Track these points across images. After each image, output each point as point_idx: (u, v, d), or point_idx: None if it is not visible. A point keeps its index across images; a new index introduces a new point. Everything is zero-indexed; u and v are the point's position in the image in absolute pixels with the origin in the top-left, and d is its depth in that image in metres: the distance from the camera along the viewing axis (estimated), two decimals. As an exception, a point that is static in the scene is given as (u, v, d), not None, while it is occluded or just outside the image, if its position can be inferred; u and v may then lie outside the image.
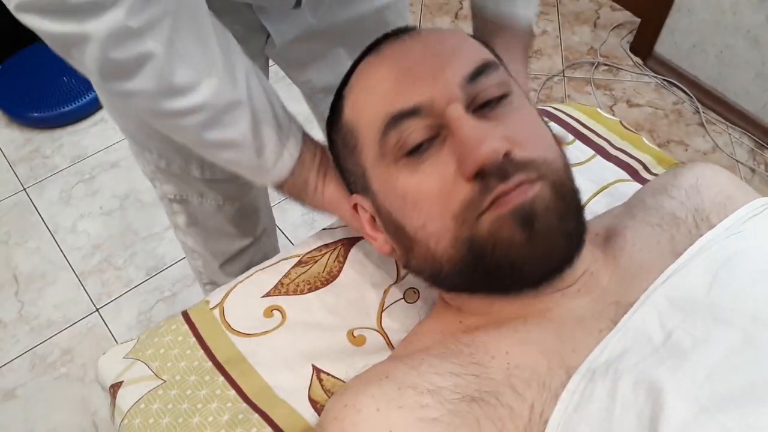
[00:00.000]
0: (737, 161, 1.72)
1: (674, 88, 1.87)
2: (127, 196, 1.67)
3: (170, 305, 1.47)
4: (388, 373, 0.48)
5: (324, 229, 0.72)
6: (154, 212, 1.63)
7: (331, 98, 0.73)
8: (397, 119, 0.48)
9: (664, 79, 1.89)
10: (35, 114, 1.80)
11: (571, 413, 0.41)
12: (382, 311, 0.64)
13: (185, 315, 0.64)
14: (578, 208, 0.49)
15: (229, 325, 0.63)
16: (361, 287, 0.66)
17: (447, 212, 0.47)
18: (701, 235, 0.50)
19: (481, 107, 0.48)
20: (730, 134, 1.78)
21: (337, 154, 0.58)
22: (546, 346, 0.46)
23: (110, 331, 1.43)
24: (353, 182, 0.57)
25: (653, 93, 1.89)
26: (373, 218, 0.56)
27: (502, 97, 0.49)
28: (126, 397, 0.59)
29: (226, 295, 0.65)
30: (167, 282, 1.51)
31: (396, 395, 0.45)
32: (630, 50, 1.97)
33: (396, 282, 0.66)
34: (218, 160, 0.59)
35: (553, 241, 0.46)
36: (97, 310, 1.47)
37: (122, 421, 0.58)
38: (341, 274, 0.67)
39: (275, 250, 1.03)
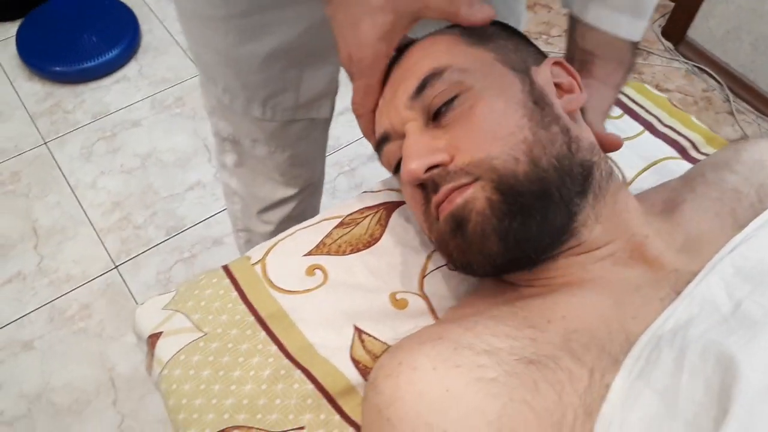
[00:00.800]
0: (765, 152, 1.70)
1: (705, 75, 1.84)
2: (149, 156, 1.66)
3: (189, 266, 1.47)
4: (442, 334, 0.48)
5: (365, 192, 0.71)
6: (175, 173, 1.63)
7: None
8: (379, 145, 0.56)
9: (695, 65, 1.86)
10: (57, 68, 1.78)
11: (635, 379, 0.40)
12: (423, 277, 0.64)
13: (226, 269, 0.64)
14: (543, 196, 0.46)
15: (271, 282, 0.62)
16: (403, 251, 0.65)
17: (422, 216, 0.53)
18: (765, 209, 0.49)
19: (436, 117, 0.51)
20: (759, 125, 1.75)
21: None
22: (603, 312, 0.45)
23: (129, 289, 1.44)
24: None
25: (683, 79, 1.86)
26: None
27: (452, 100, 0.50)
28: (165, 348, 0.59)
29: (268, 251, 0.64)
30: (187, 243, 1.50)
31: (452, 355, 0.45)
32: (662, 34, 1.94)
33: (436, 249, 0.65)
34: None
35: (487, 242, 0.47)
36: (116, 267, 1.47)
37: (162, 371, 0.57)
38: (383, 238, 0.66)
39: (315, 211, 1.03)
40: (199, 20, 0.69)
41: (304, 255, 0.64)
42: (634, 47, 0.59)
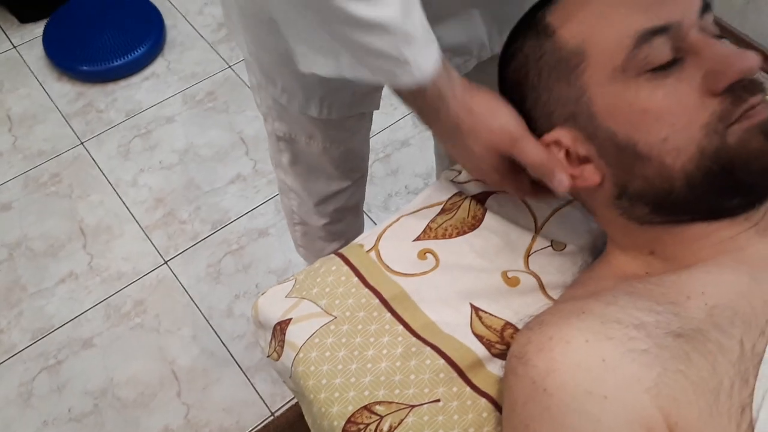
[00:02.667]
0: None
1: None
2: (186, 151, 1.68)
3: (238, 258, 1.50)
4: (584, 308, 0.51)
5: (452, 180, 0.74)
6: (214, 166, 1.65)
7: (457, 59, 0.75)
8: (649, 35, 0.49)
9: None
10: (86, 68, 1.79)
11: None
12: (528, 256, 0.67)
13: (341, 257, 0.67)
14: None
15: (388, 266, 0.65)
16: (506, 232, 0.68)
17: (695, 123, 0.48)
18: None
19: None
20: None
21: (530, 84, 0.57)
22: (742, 288, 0.48)
23: (180, 283, 1.47)
24: (554, 112, 0.56)
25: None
26: (567, 153, 0.56)
27: (719, 37, 0.51)
28: (297, 333, 0.62)
29: (378, 238, 0.68)
30: (233, 235, 1.53)
31: (602, 328, 0.48)
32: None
33: (538, 229, 0.69)
34: (353, 48, 0.53)
35: None
36: (166, 262, 1.50)
37: (297, 355, 0.61)
38: (485, 219, 0.69)
39: (363, 198, 1.07)
40: (262, 22, 0.70)
41: (414, 240, 0.67)
42: None
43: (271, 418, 1.30)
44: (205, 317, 1.42)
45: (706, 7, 0.51)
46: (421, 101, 0.57)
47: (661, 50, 0.49)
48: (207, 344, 1.38)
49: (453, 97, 0.56)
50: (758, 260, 0.50)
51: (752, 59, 0.47)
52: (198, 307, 1.43)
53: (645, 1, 0.51)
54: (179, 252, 1.51)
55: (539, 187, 0.61)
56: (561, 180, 0.55)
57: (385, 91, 0.64)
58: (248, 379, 1.34)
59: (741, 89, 0.48)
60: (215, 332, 1.40)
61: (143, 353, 1.38)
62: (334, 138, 0.86)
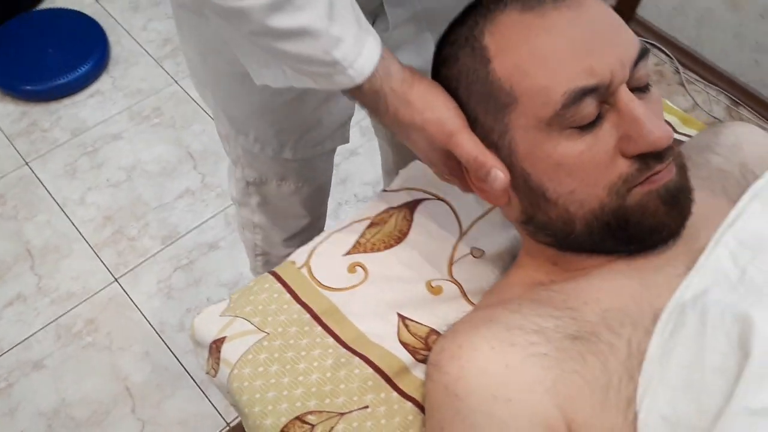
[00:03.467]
0: (715, 118, 1.83)
1: (656, 50, 1.96)
2: (134, 168, 1.68)
3: (189, 272, 1.51)
4: (491, 317, 0.55)
5: (385, 190, 0.78)
6: (162, 182, 1.66)
7: None
8: (580, 96, 0.49)
9: (646, 42, 1.97)
10: (28, 87, 1.78)
11: (667, 339, 0.48)
12: (452, 264, 0.71)
13: (275, 275, 0.70)
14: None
15: (319, 282, 0.68)
16: (429, 243, 0.72)
17: (602, 182, 0.51)
18: (749, 185, 0.58)
19: (633, 91, 0.51)
20: (708, 93, 1.88)
21: (460, 99, 0.56)
22: (632, 292, 0.53)
23: (132, 300, 1.47)
24: (477, 134, 0.56)
25: (635, 54, 1.98)
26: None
27: (648, 86, 0.53)
28: (232, 351, 0.65)
29: (310, 254, 0.71)
30: (183, 250, 1.54)
31: (506, 335, 0.52)
32: (612, 13, 2.05)
33: (460, 238, 0.73)
34: (283, 58, 0.53)
35: (687, 209, 0.54)
36: (116, 280, 1.50)
37: (231, 371, 0.64)
38: (410, 232, 0.73)
39: (324, 224, 1.09)
40: (233, 77, 0.70)
41: (344, 255, 0.71)
42: None
43: (227, 429, 1.32)
44: (157, 332, 1.43)
45: (642, 55, 0.51)
46: (361, 97, 0.56)
47: (587, 110, 0.50)
48: (160, 359, 1.39)
49: (391, 91, 0.55)
50: (648, 268, 0.55)
51: (665, 137, 0.49)
52: (150, 323, 1.44)
53: (584, 49, 0.49)
54: (129, 269, 1.52)
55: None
56: (496, 176, 0.54)
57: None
58: (203, 391, 1.35)
59: (651, 157, 0.50)
60: (168, 347, 1.41)
61: (96, 372, 1.38)
62: (307, 177, 0.87)
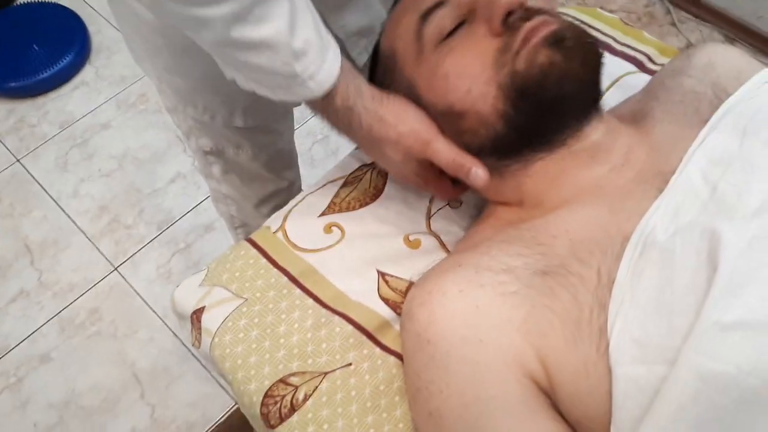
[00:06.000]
0: (710, 56, 1.79)
1: (645, -9, 1.92)
2: (124, 156, 1.67)
3: (187, 256, 1.51)
4: (461, 261, 0.54)
5: (358, 148, 0.76)
6: (154, 168, 1.65)
7: (363, 40, 0.76)
8: (427, 13, 0.56)
9: (634, -17, 1.93)
10: (13, 83, 1.77)
11: (637, 260, 0.47)
12: (430, 218, 0.70)
13: (250, 241, 0.69)
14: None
15: (295, 245, 0.67)
16: (406, 198, 0.71)
17: (486, 65, 0.53)
18: (722, 103, 0.56)
19: None
20: (701, 31, 1.84)
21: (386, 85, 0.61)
22: (601, 221, 0.52)
23: (132, 287, 1.48)
24: None
25: (624, -2, 1.93)
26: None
27: None
28: (211, 320, 0.64)
29: (284, 218, 0.70)
30: (180, 234, 1.54)
31: (475, 277, 0.51)
32: (598, -43, 2.00)
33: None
34: (245, 69, 0.54)
35: (585, 50, 0.53)
36: (116, 269, 1.50)
37: (212, 340, 0.63)
38: (386, 188, 0.72)
39: (300, 188, 1.07)
40: (175, 49, 0.69)
41: (319, 216, 0.70)
42: None
43: (236, 407, 1.32)
44: (160, 318, 1.43)
45: None
46: (334, 115, 0.58)
47: (443, 20, 0.55)
48: (165, 344, 1.40)
49: (363, 108, 0.57)
50: (616, 195, 0.53)
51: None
52: (152, 309, 1.45)
53: None
54: (128, 257, 1.52)
55: (461, 186, 0.63)
56: (477, 174, 0.57)
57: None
58: (209, 372, 1.36)
59: (518, 20, 0.53)
60: (172, 331, 1.41)
61: (103, 360, 1.39)
62: (262, 143, 0.85)
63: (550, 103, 0.53)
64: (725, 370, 0.40)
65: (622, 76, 0.79)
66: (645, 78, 0.77)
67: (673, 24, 1.85)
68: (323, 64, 0.53)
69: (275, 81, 0.54)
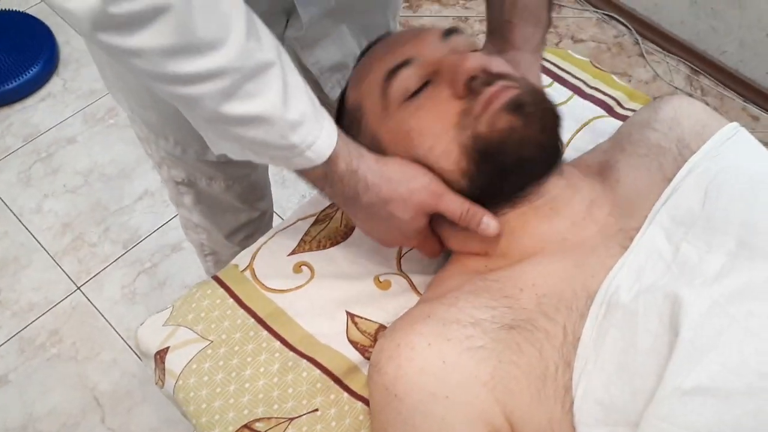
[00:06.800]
0: (676, 88, 1.83)
1: (614, 22, 1.96)
2: (91, 172, 1.64)
3: (152, 276, 1.48)
4: (429, 312, 0.54)
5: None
6: (121, 184, 1.62)
7: (337, 75, 0.76)
8: (393, 71, 0.58)
9: (604, 14, 1.97)
10: (-24, 94, 1.72)
11: (601, 321, 0.47)
12: (400, 258, 0.70)
13: (217, 279, 0.68)
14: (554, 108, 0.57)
15: (263, 284, 0.67)
16: (377, 237, 0.71)
17: (448, 125, 0.55)
18: (685, 161, 0.57)
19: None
20: (668, 62, 1.88)
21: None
22: (567, 275, 0.52)
23: (95, 308, 1.44)
24: None
25: (595, 28, 1.97)
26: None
27: (452, 31, 0.60)
28: (175, 361, 0.63)
29: (253, 257, 0.69)
30: (146, 253, 1.51)
31: (442, 330, 0.51)
32: (570, -13, 2.04)
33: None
34: (238, 143, 0.53)
35: (544, 115, 0.55)
36: (78, 288, 1.47)
37: (176, 382, 0.62)
38: (357, 228, 0.71)
39: (272, 220, 1.06)
40: (145, 86, 0.66)
41: (288, 255, 0.69)
42: (549, 3, 0.67)
43: (200, 432, 1.30)
44: (123, 339, 1.40)
45: (449, 32, 0.60)
46: (339, 182, 0.55)
47: (409, 80, 0.57)
48: (128, 366, 1.37)
49: (368, 169, 0.56)
50: (580, 249, 0.54)
51: (472, 59, 0.54)
52: (116, 330, 1.41)
53: (390, 50, 0.60)
54: (92, 276, 1.49)
55: (443, 244, 0.64)
56: (488, 223, 0.56)
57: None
58: (173, 396, 1.33)
59: (480, 85, 0.54)
60: (135, 353, 1.38)
61: (62, 383, 1.35)
62: (236, 176, 0.84)
63: (511, 166, 0.55)
64: None
65: (591, 120, 0.80)
66: (613, 123, 0.78)
67: (642, 55, 1.89)
68: (321, 132, 0.52)
69: (273, 153, 0.53)
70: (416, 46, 0.59)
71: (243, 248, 0.97)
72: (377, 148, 0.59)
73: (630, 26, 1.92)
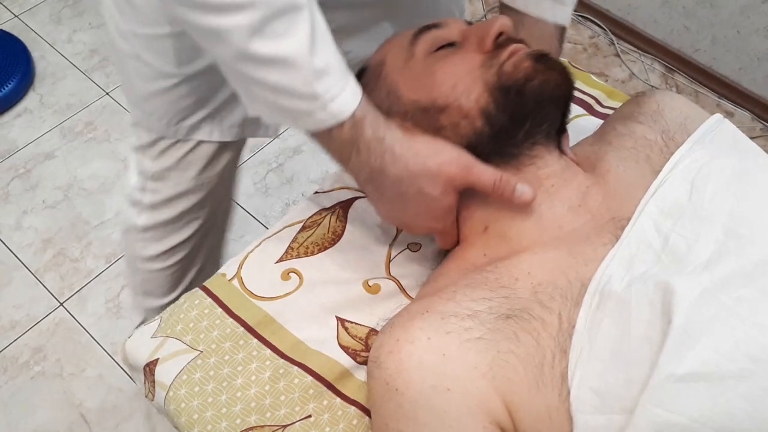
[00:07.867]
0: (651, 86, 1.86)
1: (589, 23, 1.98)
2: (70, 187, 1.62)
3: (137, 289, 1.46)
4: (427, 307, 0.54)
5: (317, 192, 0.76)
6: (102, 199, 1.60)
7: None
8: (424, 30, 0.62)
9: (579, 15, 1.99)
10: (-50, 111, 1.69)
11: (594, 311, 0.48)
12: (390, 262, 0.70)
13: (205, 289, 0.67)
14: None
15: (252, 292, 0.66)
16: (366, 242, 0.71)
17: (473, 66, 0.58)
18: (671, 153, 0.59)
19: None
20: (642, 62, 1.91)
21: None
22: (561, 264, 0.53)
23: (80, 323, 1.42)
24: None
25: (570, 29, 1.99)
26: None
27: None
28: (165, 373, 0.62)
29: (241, 265, 0.69)
30: (129, 267, 1.49)
31: (441, 324, 0.52)
32: (544, -11, 2.06)
33: (397, 234, 0.72)
34: (264, 91, 0.51)
35: (564, 69, 0.58)
36: (62, 304, 1.45)
37: (167, 394, 0.61)
38: (345, 233, 0.71)
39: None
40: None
41: (276, 262, 0.69)
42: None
43: (190, 445, 1.28)
44: (109, 354, 1.38)
45: (470, 23, 0.64)
46: (365, 150, 0.54)
47: (436, 38, 0.60)
48: (114, 381, 1.35)
49: (395, 140, 0.54)
50: (574, 238, 0.55)
51: (502, 20, 0.58)
52: (101, 345, 1.39)
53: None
54: (75, 291, 1.47)
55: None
56: (524, 190, 0.56)
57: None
58: (161, 410, 1.32)
59: (506, 41, 0.59)
60: (121, 368, 1.36)
61: (48, 402, 1.33)
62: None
63: (531, 107, 0.57)
64: (680, 421, 0.42)
65: (572, 119, 0.81)
66: (594, 121, 0.79)
67: (617, 55, 1.92)
68: (346, 86, 0.51)
69: (296, 104, 0.51)
70: (445, 20, 0.63)
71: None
72: (392, 97, 0.61)
73: (605, 27, 1.95)
